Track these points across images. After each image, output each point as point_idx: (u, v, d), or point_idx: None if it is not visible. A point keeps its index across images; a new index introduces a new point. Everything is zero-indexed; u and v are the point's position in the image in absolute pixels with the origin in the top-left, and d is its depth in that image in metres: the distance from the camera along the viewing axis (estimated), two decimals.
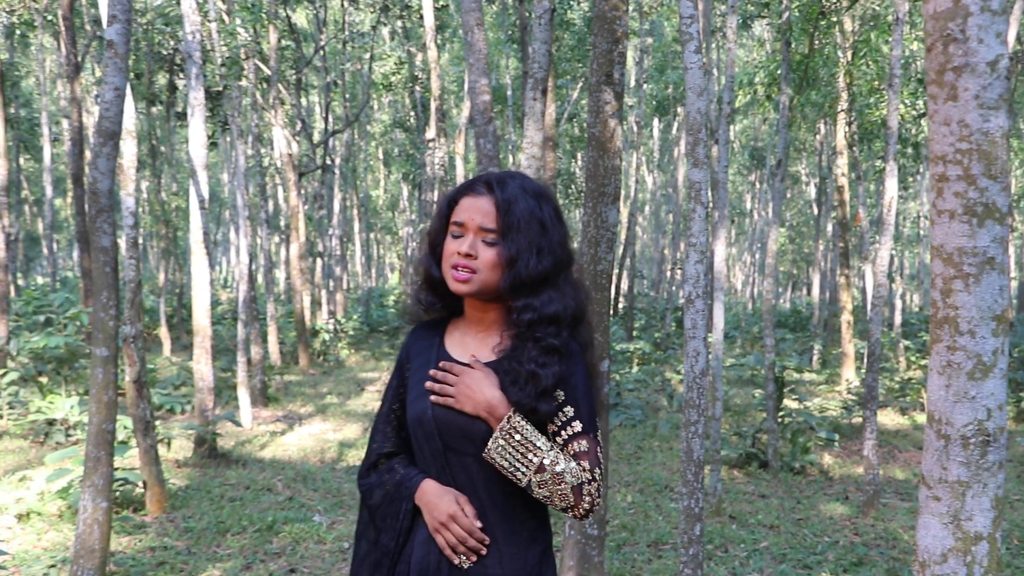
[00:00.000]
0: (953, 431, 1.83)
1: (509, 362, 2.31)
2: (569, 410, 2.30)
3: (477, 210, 2.33)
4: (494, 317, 2.42)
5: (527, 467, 2.21)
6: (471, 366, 2.28)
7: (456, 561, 2.30)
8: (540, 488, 2.22)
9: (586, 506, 2.25)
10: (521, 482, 2.23)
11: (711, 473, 8.82)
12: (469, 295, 2.35)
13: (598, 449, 2.31)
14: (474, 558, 2.30)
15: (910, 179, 26.30)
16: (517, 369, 2.28)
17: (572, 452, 2.27)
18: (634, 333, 26.24)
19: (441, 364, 2.21)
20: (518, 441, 2.21)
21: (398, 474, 2.43)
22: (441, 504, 2.31)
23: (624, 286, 29.57)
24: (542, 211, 2.36)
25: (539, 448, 2.22)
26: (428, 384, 2.33)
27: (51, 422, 11.18)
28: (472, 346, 2.44)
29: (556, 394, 2.29)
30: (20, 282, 35.75)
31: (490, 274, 2.30)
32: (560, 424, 2.30)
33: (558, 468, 2.21)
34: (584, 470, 2.25)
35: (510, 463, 2.22)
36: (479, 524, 2.30)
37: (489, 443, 2.23)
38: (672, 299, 27.54)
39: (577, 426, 2.29)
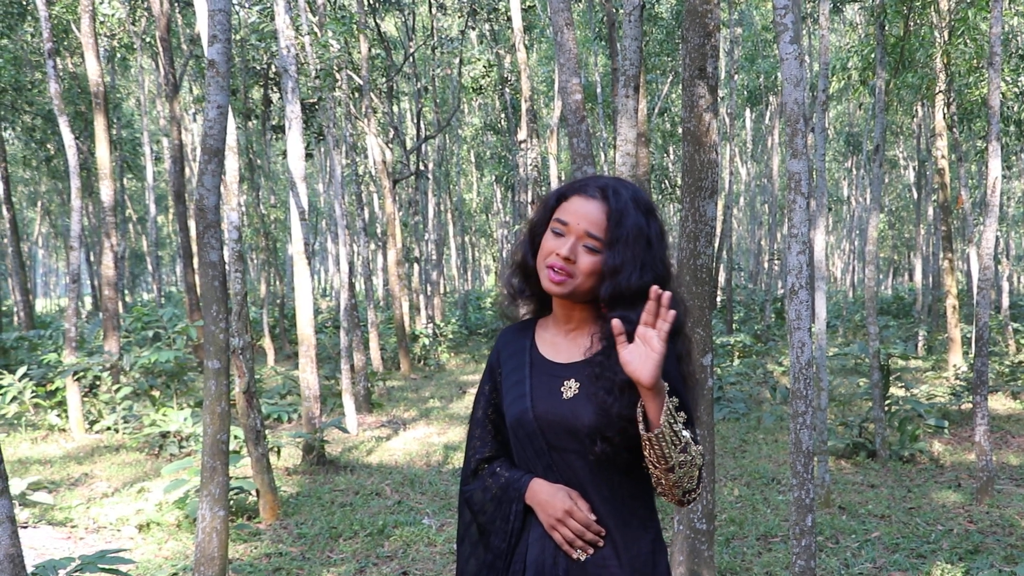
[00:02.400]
0: None
1: (601, 369, 2.31)
2: (675, 399, 2.26)
3: (585, 215, 2.34)
4: (583, 316, 2.44)
5: (676, 446, 2.16)
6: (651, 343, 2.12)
7: (575, 556, 2.33)
8: (680, 468, 2.18)
9: (700, 491, 2.28)
10: (668, 462, 2.17)
11: (819, 464, 8.73)
12: (562, 296, 2.36)
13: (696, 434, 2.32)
14: (591, 551, 2.32)
15: (1013, 158, 25.72)
16: (611, 378, 2.28)
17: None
18: (734, 326, 26.04)
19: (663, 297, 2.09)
20: (673, 420, 2.15)
21: (503, 477, 2.46)
22: (555, 502, 2.33)
23: (722, 279, 29.37)
24: (650, 228, 2.37)
25: (684, 429, 2.19)
26: (654, 293, 2.11)
27: (165, 435, 11.47)
28: (563, 346, 2.46)
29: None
30: (127, 299, 36.70)
31: (585, 280, 2.32)
32: (669, 411, 2.29)
33: (692, 450, 2.19)
34: (702, 454, 2.26)
35: (668, 443, 2.15)
36: (593, 517, 2.33)
37: (660, 418, 2.13)
38: (771, 290, 27.22)
39: (683, 415, 2.24)
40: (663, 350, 2.09)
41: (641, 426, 2.18)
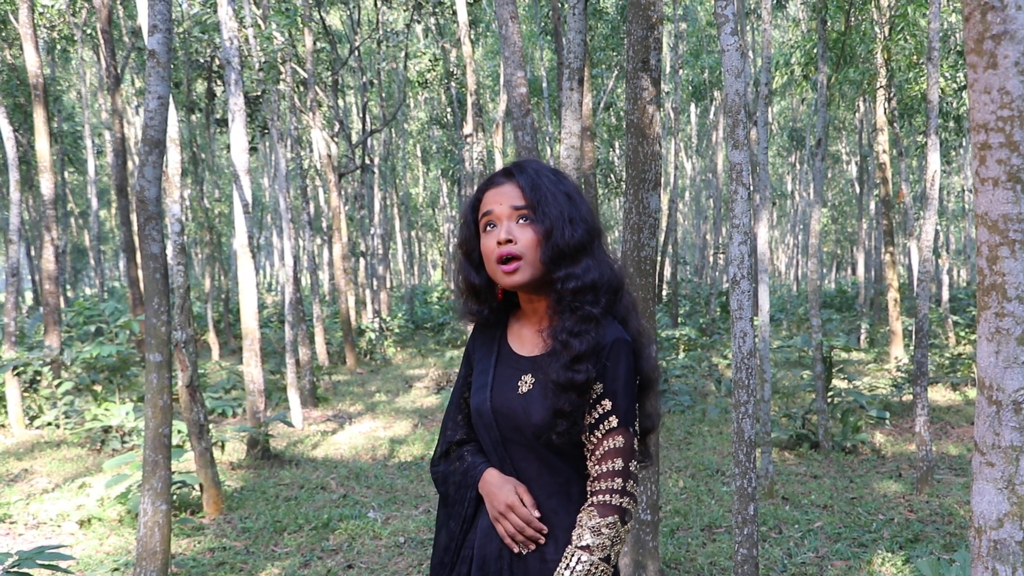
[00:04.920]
0: (1004, 397, 1.84)
1: (542, 367, 2.33)
2: (607, 403, 2.28)
3: (503, 196, 2.36)
4: (547, 306, 2.41)
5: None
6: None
7: (516, 549, 2.33)
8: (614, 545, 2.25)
9: (631, 513, 2.28)
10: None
11: (762, 455, 8.81)
12: (522, 285, 2.33)
13: (634, 442, 2.30)
14: (532, 546, 2.32)
15: (953, 153, 26.08)
16: (555, 347, 2.29)
17: (607, 449, 2.26)
18: (679, 319, 26.17)
19: None
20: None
21: (466, 462, 2.47)
22: (500, 494, 2.34)
23: (667, 273, 29.52)
24: (564, 185, 2.39)
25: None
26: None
27: (107, 429, 11.34)
28: (528, 339, 2.46)
29: (595, 387, 2.28)
30: (69, 294, 36.22)
31: (534, 253, 2.30)
32: (596, 419, 2.29)
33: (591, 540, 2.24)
34: (615, 478, 2.26)
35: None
36: (537, 514, 2.32)
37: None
38: (716, 284, 27.41)
39: (613, 421, 2.27)
40: None
41: None
